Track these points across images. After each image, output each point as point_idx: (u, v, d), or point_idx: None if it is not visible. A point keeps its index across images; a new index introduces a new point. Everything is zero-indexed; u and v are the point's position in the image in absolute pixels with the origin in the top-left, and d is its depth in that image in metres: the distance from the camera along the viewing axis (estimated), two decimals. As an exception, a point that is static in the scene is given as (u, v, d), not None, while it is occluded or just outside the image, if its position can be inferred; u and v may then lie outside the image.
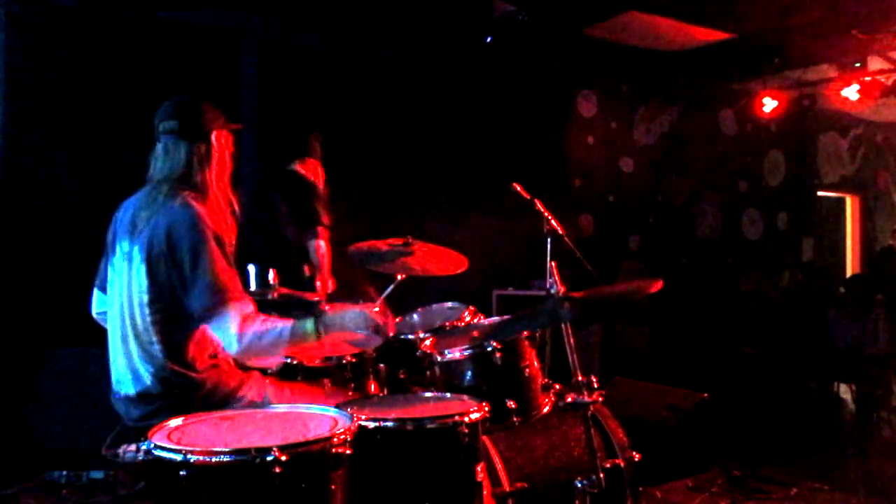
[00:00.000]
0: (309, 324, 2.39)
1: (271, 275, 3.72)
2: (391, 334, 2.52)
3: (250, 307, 2.38)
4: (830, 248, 10.82)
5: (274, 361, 2.41)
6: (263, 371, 2.76)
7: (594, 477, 2.60)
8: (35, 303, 5.09)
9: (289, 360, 2.91)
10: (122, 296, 2.51)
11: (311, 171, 4.57)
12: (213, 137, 2.57)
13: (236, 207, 2.62)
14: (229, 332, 2.32)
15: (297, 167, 4.54)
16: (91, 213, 5.03)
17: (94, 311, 2.75)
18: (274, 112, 6.08)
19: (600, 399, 2.70)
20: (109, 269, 2.57)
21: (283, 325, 2.37)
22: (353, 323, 2.45)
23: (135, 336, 2.46)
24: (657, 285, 2.55)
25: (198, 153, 2.54)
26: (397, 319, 3.49)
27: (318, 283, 4.08)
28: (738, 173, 9.25)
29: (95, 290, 2.72)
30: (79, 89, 5.30)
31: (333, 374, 2.92)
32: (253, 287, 3.93)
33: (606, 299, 2.82)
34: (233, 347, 2.34)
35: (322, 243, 4.33)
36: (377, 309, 2.50)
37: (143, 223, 2.46)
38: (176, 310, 2.39)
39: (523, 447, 3.00)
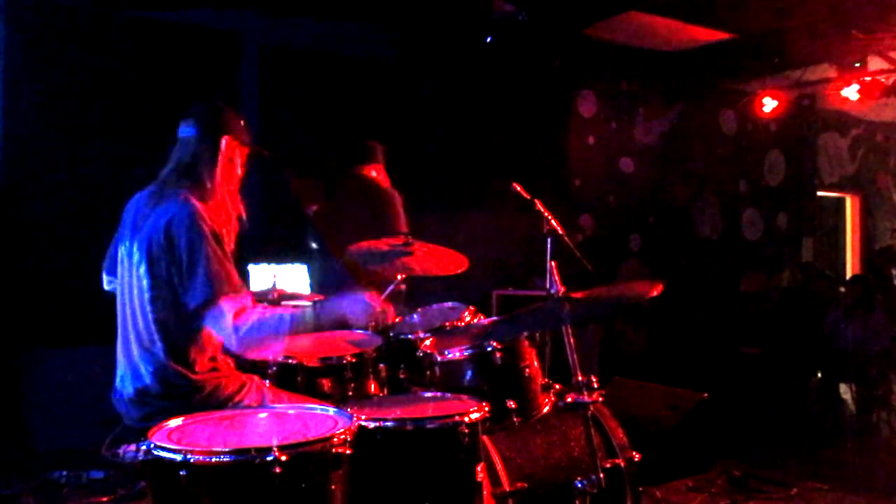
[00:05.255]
0: (308, 309, 2.43)
1: (271, 275, 3.73)
2: (390, 321, 2.54)
3: (247, 300, 2.39)
4: (830, 248, 10.82)
5: (274, 353, 2.44)
6: (263, 375, 2.77)
7: (594, 477, 2.60)
8: (33, 303, 5.10)
9: (289, 361, 2.91)
10: (124, 294, 2.52)
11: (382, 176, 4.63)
12: (222, 141, 2.58)
13: (243, 214, 2.63)
14: (226, 325, 2.33)
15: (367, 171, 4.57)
16: (89, 213, 5.07)
17: (105, 287, 2.77)
18: (275, 114, 6.08)
19: (600, 399, 2.70)
20: (118, 266, 2.59)
21: (282, 312, 2.41)
22: (351, 308, 2.46)
23: (136, 334, 2.47)
24: (658, 288, 2.55)
25: (204, 151, 2.57)
26: (397, 319, 3.50)
27: None
28: (738, 173, 9.24)
29: (103, 273, 2.76)
30: (79, 90, 5.30)
31: (333, 374, 2.92)
32: (253, 287, 3.93)
33: (606, 301, 2.82)
34: (231, 340, 2.35)
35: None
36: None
37: (145, 218, 2.48)
38: (177, 308, 2.40)
39: (523, 447, 3.00)
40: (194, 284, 2.35)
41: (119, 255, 2.57)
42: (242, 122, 2.69)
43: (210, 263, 2.36)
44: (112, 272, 2.67)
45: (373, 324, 2.88)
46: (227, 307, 2.33)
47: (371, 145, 4.67)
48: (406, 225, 4.45)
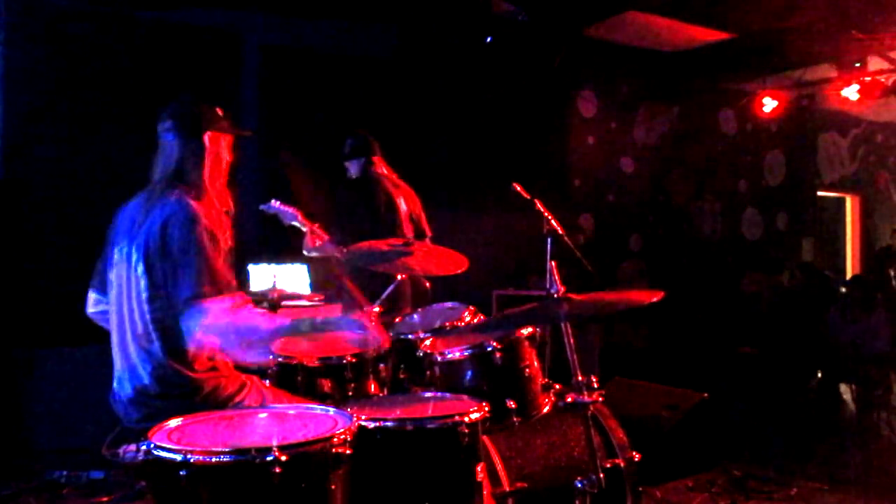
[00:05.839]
0: (306, 322, 2.43)
1: (271, 275, 3.72)
2: (385, 347, 2.56)
3: (229, 302, 2.36)
4: (830, 248, 10.82)
5: (258, 359, 2.45)
6: (262, 376, 2.77)
7: (594, 477, 2.60)
8: (33, 303, 5.10)
9: (289, 361, 2.91)
10: (121, 296, 2.51)
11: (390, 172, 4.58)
12: (205, 138, 2.57)
13: (231, 208, 2.62)
14: (198, 324, 2.31)
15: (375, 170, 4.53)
16: (88, 213, 5.05)
17: (89, 311, 2.74)
18: (275, 113, 6.07)
19: (600, 399, 2.69)
20: (109, 271, 2.57)
21: (262, 321, 2.39)
22: (349, 333, 2.52)
23: (133, 334, 2.46)
24: (658, 295, 2.54)
25: (190, 151, 2.55)
26: (397, 320, 3.50)
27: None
28: (738, 173, 9.25)
29: (90, 291, 2.71)
30: (79, 90, 5.30)
31: (333, 374, 2.92)
32: (253, 287, 3.93)
33: (606, 305, 2.81)
34: (198, 338, 2.33)
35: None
36: (373, 313, 2.52)
37: (140, 222, 2.47)
38: (174, 307, 2.39)
39: (523, 447, 3.00)
40: (183, 279, 2.34)
41: (114, 258, 2.55)
42: (219, 111, 2.65)
43: (200, 260, 2.35)
44: (101, 290, 2.62)
45: (368, 350, 2.94)
46: (206, 306, 2.32)
47: (371, 139, 4.62)
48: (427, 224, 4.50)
